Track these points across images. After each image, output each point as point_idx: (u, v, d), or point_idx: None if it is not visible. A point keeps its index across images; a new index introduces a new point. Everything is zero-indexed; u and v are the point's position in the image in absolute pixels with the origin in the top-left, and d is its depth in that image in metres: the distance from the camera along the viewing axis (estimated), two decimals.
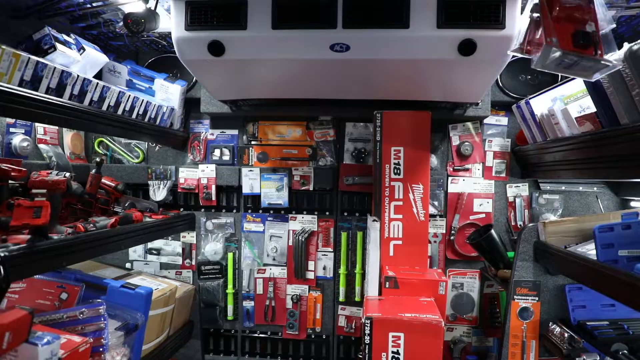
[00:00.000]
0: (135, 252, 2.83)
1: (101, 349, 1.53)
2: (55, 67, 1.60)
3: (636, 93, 1.39)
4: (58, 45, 1.88)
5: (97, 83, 1.85)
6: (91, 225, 1.82)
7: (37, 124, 2.39)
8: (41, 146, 2.42)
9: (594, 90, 1.59)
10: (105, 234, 1.83)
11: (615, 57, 1.32)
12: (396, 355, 1.91)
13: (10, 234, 1.48)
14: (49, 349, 1.25)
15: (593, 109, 1.68)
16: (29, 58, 1.48)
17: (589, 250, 1.72)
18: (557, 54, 1.23)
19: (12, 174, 1.67)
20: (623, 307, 1.94)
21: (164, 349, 2.06)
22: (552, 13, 1.26)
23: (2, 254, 1.19)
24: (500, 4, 1.66)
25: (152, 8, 1.80)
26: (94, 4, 1.98)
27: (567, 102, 1.94)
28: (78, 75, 1.74)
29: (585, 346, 1.76)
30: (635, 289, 1.30)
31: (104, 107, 1.94)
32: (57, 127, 2.54)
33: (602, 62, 1.27)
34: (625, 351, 1.64)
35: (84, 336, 1.48)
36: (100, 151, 2.84)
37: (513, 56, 1.62)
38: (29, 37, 1.89)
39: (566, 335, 1.85)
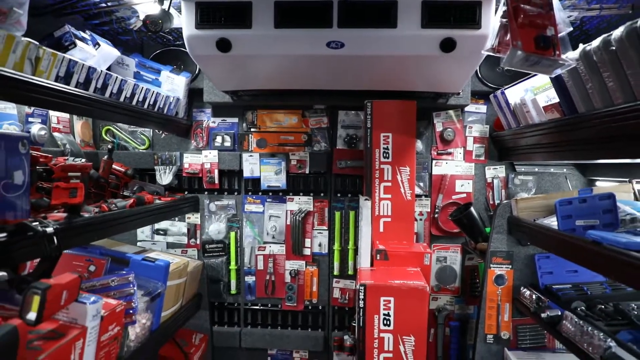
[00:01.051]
0: (143, 232, 3.04)
1: (131, 311, 1.75)
2: (83, 64, 1.80)
3: (589, 87, 1.63)
4: (77, 42, 2.07)
5: (117, 77, 2.04)
6: (113, 205, 2.02)
7: (51, 114, 2.58)
8: (56, 134, 2.61)
9: (557, 83, 1.83)
10: (126, 213, 2.03)
11: (571, 56, 1.57)
12: (387, 317, 2.16)
13: (41, 213, 1.68)
14: (95, 307, 1.47)
15: (557, 99, 1.93)
16: (64, 57, 1.67)
17: (553, 222, 1.97)
18: (522, 55, 1.47)
19: (41, 159, 1.87)
20: (585, 272, 2.24)
21: (178, 317, 2.28)
22: (517, 20, 1.49)
23: (54, 227, 1.39)
24: (477, 6, 1.89)
25: (166, 9, 1.98)
26: (109, 3, 2.16)
27: (536, 93, 2.19)
28: (102, 71, 1.93)
29: (550, 305, 2.03)
30: (587, 251, 1.56)
31: (122, 99, 2.13)
32: (68, 117, 2.73)
33: (560, 61, 1.50)
34: (582, 307, 1.90)
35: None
36: (108, 139, 3.02)
37: None
38: (50, 34, 2.06)
39: (534, 296, 2.12)
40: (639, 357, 1.47)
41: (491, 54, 1.63)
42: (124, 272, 1.89)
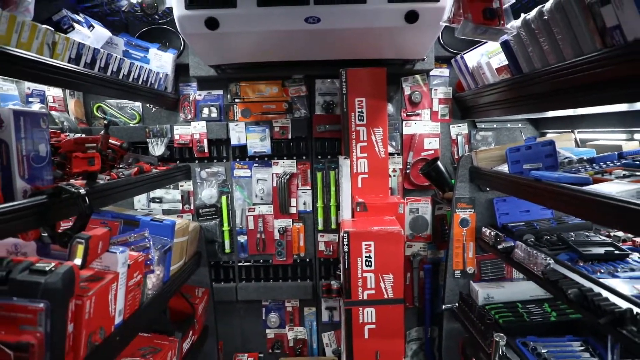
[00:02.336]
0: (140, 201, 3.27)
1: (149, 262, 2.01)
2: (89, 46, 2.00)
3: (530, 50, 1.93)
4: (75, 25, 2.25)
5: (116, 57, 2.24)
6: (120, 173, 2.26)
7: (47, 94, 2.75)
8: (53, 113, 2.78)
9: (505, 48, 2.12)
10: (132, 180, 2.27)
11: (515, 24, 1.86)
12: (368, 259, 2.50)
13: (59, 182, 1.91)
14: (124, 256, 1.73)
15: (506, 62, 2.23)
16: (74, 41, 1.87)
17: (506, 168, 2.30)
18: (472, 25, 1.75)
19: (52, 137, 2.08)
20: (536, 212, 2.60)
21: (183, 272, 2.56)
22: None
23: (85, 190, 1.63)
24: None
25: None
26: None
27: (490, 57, 2.48)
28: (105, 52, 2.13)
29: (506, 239, 2.38)
30: (530, 187, 1.89)
31: (120, 76, 2.33)
32: (62, 96, 2.90)
33: (504, 29, 1.80)
34: (532, 239, 2.25)
35: None
36: (99, 115, 3.21)
37: None
38: (48, 18, 2.23)
39: (493, 234, 2.47)
40: (570, 269, 1.83)
41: (447, 24, 1.91)
42: (141, 229, 2.15)
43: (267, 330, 3.40)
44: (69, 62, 1.87)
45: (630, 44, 1.34)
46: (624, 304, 1.47)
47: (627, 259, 1.91)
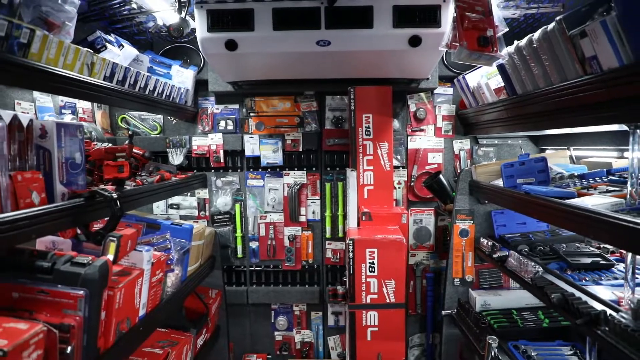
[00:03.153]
0: (159, 207, 3.48)
1: (169, 262, 2.20)
2: (121, 65, 2.21)
3: (523, 74, 2.10)
4: (107, 45, 2.47)
5: (144, 74, 2.46)
6: (145, 180, 2.46)
7: (77, 106, 2.98)
8: (83, 123, 3.01)
9: (501, 70, 2.30)
10: (154, 187, 2.47)
11: (505, 51, 2.04)
12: (372, 265, 2.66)
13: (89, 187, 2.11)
14: (149, 254, 1.92)
15: (502, 83, 2.40)
16: (109, 61, 2.08)
17: (502, 183, 2.46)
18: (467, 52, 1.93)
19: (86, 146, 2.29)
20: (532, 224, 2.75)
21: (199, 273, 2.74)
22: (464, 24, 1.95)
23: (117, 194, 1.83)
24: (437, 9, 2.34)
25: (184, 16, 2.39)
26: (132, 12, 2.56)
27: (489, 78, 2.65)
28: (135, 70, 2.35)
29: (502, 249, 2.53)
30: (520, 200, 2.05)
31: (146, 92, 2.55)
32: (90, 108, 3.13)
33: (497, 56, 1.98)
34: (526, 249, 2.40)
35: None
36: (123, 126, 3.43)
37: None
38: (84, 39, 2.46)
39: (490, 244, 2.62)
40: (557, 277, 1.98)
41: (446, 49, 2.10)
42: (162, 232, 2.35)
43: (276, 333, 3.56)
44: (104, 79, 2.08)
45: (605, 72, 1.51)
46: (600, 308, 1.62)
47: (613, 268, 2.05)
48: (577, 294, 1.78)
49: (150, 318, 2.01)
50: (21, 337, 1.16)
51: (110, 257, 1.69)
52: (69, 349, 1.40)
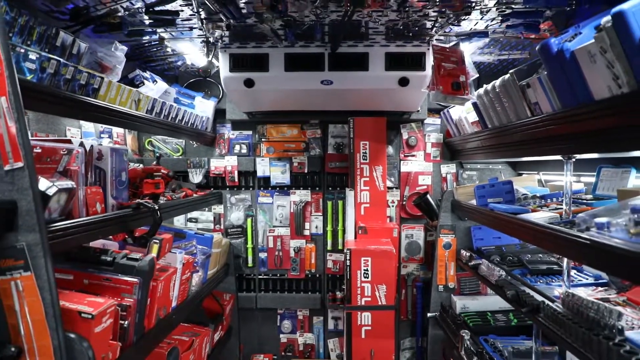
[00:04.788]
0: (179, 221, 3.91)
1: (195, 264, 2.63)
2: (159, 100, 2.68)
3: (491, 111, 2.55)
4: (145, 81, 2.95)
5: (175, 106, 2.93)
6: (174, 196, 2.90)
7: (113, 131, 3.45)
8: (127, 148, 3.47)
9: (475, 107, 2.75)
10: (181, 202, 2.91)
11: (476, 94, 2.49)
12: (366, 272, 3.07)
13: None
14: (181, 256, 2.35)
15: (477, 118, 2.85)
16: (151, 97, 2.56)
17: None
18: (442, 95, 2.39)
19: None
20: (505, 237, 3.16)
21: (216, 277, 3.16)
22: (440, 72, 2.41)
23: (157, 206, 2.27)
24: (422, 55, 2.81)
25: (210, 59, 2.87)
26: (165, 54, 3.05)
27: (468, 112, 3.10)
28: (169, 104, 2.82)
29: (476, 258, 2.94)
30: (487, 215, 2.48)
31: (176, 121, 3.02)
32: (123, 132, 3.60)
33: (467, 98, 2.43)
34: (497, 258, 2.81)
35: None
36: (149, 148, 3.90)
37: None
38: (125, 76, 2.93)
39: (468, 254, 3.04)
40: (517, 279, 2.39)
41: (426, 91, 2.56)
42: (187, 240, 2.78)
43: (281, 335, 3.95)
44: (146, 112, 2.54)
45: (543, 115, 1.95)
46: (542, 299, 2.03)
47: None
48: (529, 291, 2.19)
49: (180, 309, 2.43)
50: (101, 307, 1.59)
51: (154, 255, 2.13)
52: (126, 323, 1.83)
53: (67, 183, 1.67)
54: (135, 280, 1.87)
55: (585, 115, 1.62)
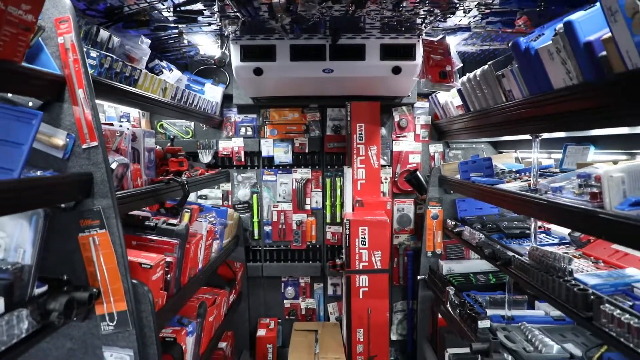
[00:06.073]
0: (190, 198, 4.25)
1: (215, 232, 2.99)
2: (181, 88, 3.01)
3: (475, 95, 2.92)
4: (163, 70, 3.27)
5: (192, 93, 3.26)
6: (193, 173, 3.25)
7: (131, 115, 3.76)
8: (152, 131, 3.78)
9: (459, 93, 3.12)
10: (198, 179, 3.26)
11: (460, 81, 2.86)
12: (363, 239, 3.46)
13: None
14: (206, 224, 2.71)
15: (461, 102, 3.22)
16: (175, 86, 2.88)
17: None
18: (430, 83, 2.75)
19: None
20: (486, 208, 3.56)
21: (229, 248, 3.53)
22: (429, 63, 2.77)
23: (185, 181, 2.62)
24: (413, 47, 3.16)
25: (224, 50, 3.19)
26: (181, 45, 3.36)
27: (453, 97, 3.47)
28: (187, 91, 3.15)
29: (460, 226, 3.35)
30: (468, 187, 2.87)
31: (192, 106, 3.34)
32: (138, 116, 3.91)
33: (453, 85, 2.80)
34: (478, 225, 3.22)
35: None
36: (162, 131, 4.22)
37: None
38: (146, 66, 3.25)
39: (453, 223, 3.44)
40: (494, 241, 2.80)
41: (417, 79, 2.92)
42: (205, 212, 3.14)
43: (285, 301, 4.35)
44: (170, 99, 2.88)
45: (515, 101, 2.33)
46: (512, 255, 2.44)
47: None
48: (503, 250, 2.60)
49: (204, 271, 2.80)
50: (156, 259, 1.95)
51: (187, 222, 2.49)
52: (169, 276, 2.20)
53: (123, 159, 2.02)
54: (176, 241, 2.23)
55: (547, 101, 2.00)
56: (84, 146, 1.72)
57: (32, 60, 1.63)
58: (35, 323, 1.42)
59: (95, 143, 1.73)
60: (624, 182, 1.52)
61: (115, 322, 1.77)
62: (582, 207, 1.63)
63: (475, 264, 3.52)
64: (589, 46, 1.61)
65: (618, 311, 1.58)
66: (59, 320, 1.47)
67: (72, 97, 1.69)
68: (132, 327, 1.78)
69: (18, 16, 1.31)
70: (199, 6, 2.50)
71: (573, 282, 1.83)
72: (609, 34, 1.46)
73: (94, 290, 1.73)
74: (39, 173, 1.62)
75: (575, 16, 1.68)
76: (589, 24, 1.66)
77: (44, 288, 1.56)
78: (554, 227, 2.97)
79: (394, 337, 4.28)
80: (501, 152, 4.11)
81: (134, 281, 1.82)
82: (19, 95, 1.64)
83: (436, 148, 4.20)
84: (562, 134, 2.89)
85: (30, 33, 1.40)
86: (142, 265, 1.90)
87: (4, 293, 1.37)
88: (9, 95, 1.64)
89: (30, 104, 1.68)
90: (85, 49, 1.97)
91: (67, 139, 1.70)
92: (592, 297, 1.71)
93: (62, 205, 1.71)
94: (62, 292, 1.60)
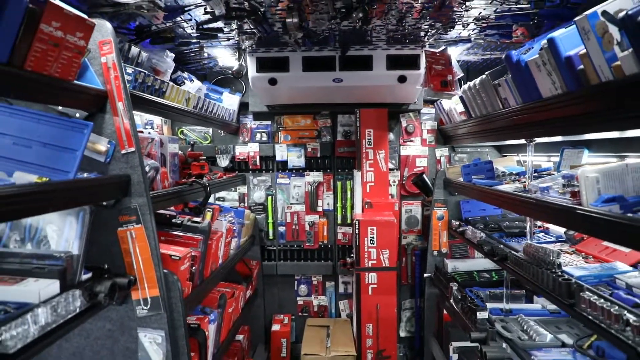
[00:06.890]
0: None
1: (233, 230, 3.22)
2: (203, 98, 3.26)
3: (475, 102, 3.11)
4: (185, 81, 3.52)
5: (212, 102, 3.50)
6: (213, 176, 3.49)
7: (155, 122, 4.02)
8: (171, 136, 4.05)
9: (462, 100, 3.32)
10: (217, 181, 3.50)
11: (460, 90, 3.06)
12: (372, 239, 3.67)
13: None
14: (225, 223, 2.94)
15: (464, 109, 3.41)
16: (197, 97, 3.13)
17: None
18: (433, 91, 2.96)
19: None
20: (489, 209, 3.75)
21: (246, 246, 3.76)
22: (431, 73, 2.98)
23: (207, 182, 2.85)
24: (417, 57, 3.37)
25: (241, 62, 3.44)
26: (201, 57, 3.61)
27: (456, 104, 3.67)
28: (208, 100, 3.40)
29: (464, 226, 3.53)
30: (470, 188, 3.06)
31: (212, 114, 3.59)
32: (160, 123, 4.17)
33: (454, 93, 3.00)
34: (481, 225, 3.41)
35: None
36: (182, 137, 4.47)
37: None
38: (169, 78, 3.50)
39: (457, 223, 3.63)
40: (494, 239, 2.99)
41: (421, 87, 3.13)
42: (224, 212, 3.38)
43: (298, 298, 4.57)
44: (193, 108, 3.12)
45: (510, 108, 2.52)
46: (509, 251, 2.63)
47: (534, 235, 3.05)
48: (501, 247, 2.79)
49: (224, 267, 3.03)
50: (183, 252, 2.19)
51: (209, 220, 2.72)
52: (194, 268, 2.43)
53: (155, 163, 2.26)
54: (200, 237, 2.47)
55: (537, 109, 2.19)
56: (123, 152, 1.96)
57: (79, 77, 1.88)
58: (85, 302, 1.65)
59: (132, 149, 1.97)
60: (599, 181, 1.72)
61: (149, 306, 2.00)
62: (564, 204, 1.83)
63: (479, 263, 3.70)
64: (569, 60, 1.81)
65: (595, 297, 1.77)
66: (105, 300, 1.71)
67: (113, 109, 1.94)
68: (163, 311, 2.01)
69: (73, 42, 1.56)
70: (219, 24, 2.75)
71: (560, 273, 2.02)
72: (585, 50, 1.66)
73: (132, 277, 1.96)
74: (85, 175, 1.86)
75: (558, 33, 1.88)
76: (570, 40, 1.86)
77: (89, 275, 1.80)
78: (552, 227, 3.15)
79: (402, 334, 4.47)
80: (505, 156, 4.28)
81: (165, 271, 2.05)
82: (69, 108, 1.89)
83: (442, 152, 4.39)
84: (559, 138, 3.07)
85: (82, 56, 1.64)
86: (172, 257, 2.13)
87: (59, 277, 1.60)
88: (59, 107, 1.90)
89: (77, 115, 1.93)
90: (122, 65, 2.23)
91: (109, 145, 1.95)
92: (574, 286, 1.90)
93: (104, 203, 1.95)
94: (105, 278, 1.84)
